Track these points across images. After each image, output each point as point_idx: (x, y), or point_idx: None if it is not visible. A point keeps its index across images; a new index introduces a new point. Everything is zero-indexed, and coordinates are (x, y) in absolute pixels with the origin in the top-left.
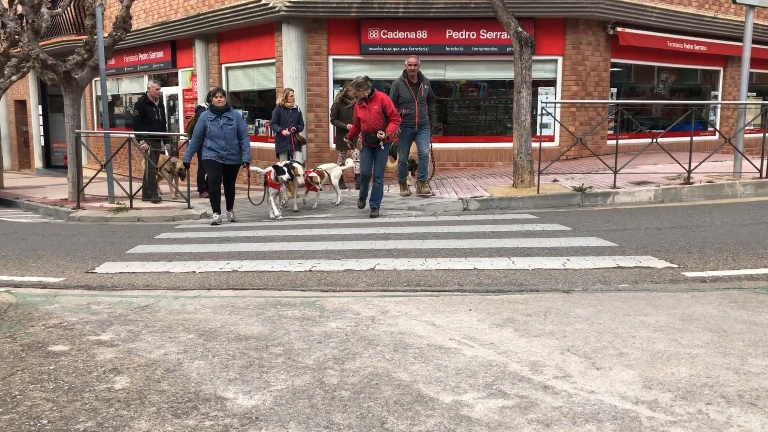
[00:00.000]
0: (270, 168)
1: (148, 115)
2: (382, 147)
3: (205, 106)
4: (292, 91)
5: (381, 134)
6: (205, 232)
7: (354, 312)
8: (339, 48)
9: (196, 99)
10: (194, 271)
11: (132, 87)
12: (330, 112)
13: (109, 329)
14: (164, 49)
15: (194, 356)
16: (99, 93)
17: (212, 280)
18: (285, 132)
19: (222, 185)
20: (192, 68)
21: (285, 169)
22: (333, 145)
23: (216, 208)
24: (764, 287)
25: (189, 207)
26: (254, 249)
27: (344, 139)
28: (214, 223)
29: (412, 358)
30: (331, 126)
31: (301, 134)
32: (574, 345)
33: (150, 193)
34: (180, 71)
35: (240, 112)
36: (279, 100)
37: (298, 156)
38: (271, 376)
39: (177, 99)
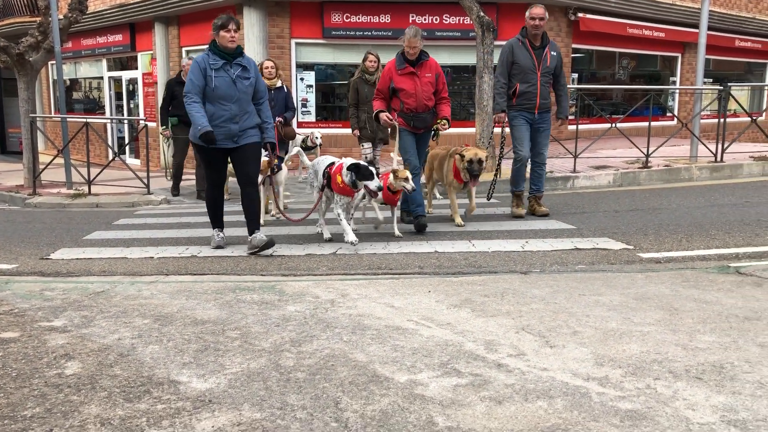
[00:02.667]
0: (338, 161)
1: (177, 98)
2: (434, 136)
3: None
4: (271, 62)
5: (444, 125)
6: (165, 218)
7: (314, 296)
8: (302, 31)
9: (156, 83)
10: (152, 257)
11: (91, 71)
12: (348, 97)
13: (62, 315)
14: (123, 32)
15: (149, 341)
16: (56, 77)
17: (171, 266)
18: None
19: (224, 188)
20: (152, 52)
21: (373, 171)
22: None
23: (217, 223)
24: (715, 267)
25: (149, 193)
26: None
27: (357, 127)
28: (218, 247)
29: (369, 340)
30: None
31: (287, 125)
32: (530, 324)
33: (175, 191)
34: (139, 55)
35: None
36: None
37: (281, 150)
38: (227, 359)
39: (136, 83)
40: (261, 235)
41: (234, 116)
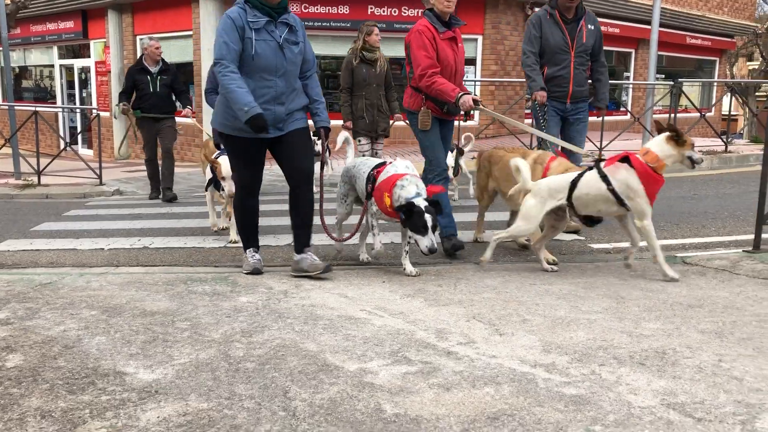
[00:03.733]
0: (391, 162)
1: (140, 87)
2: (464, 120)
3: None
4: None
5: (475, 99)
6: (117, 209)
7: (267, 287)
8: None
9: (110, 71)
10: (102, 248)
11: (42, 59)
12: (341, 80)
13: (5, 307)
14: (74, 19)
15: (95, 332)
16: (3, 64)
17: (121, 257)
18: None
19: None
20: (105, 39)
21: (428, 221)
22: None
23: (252, 241)
24: (666, 258)
25: (101, 183)
26: (167, 226)
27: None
28: (255, 271)
29: (321, 329)
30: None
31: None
32: (480, 313)
33: (154, 193)
34: (92, 42)
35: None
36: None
37: None
38: (175, 350)
39: (89, 72)
40: (313, 257)
41: (280, 95)
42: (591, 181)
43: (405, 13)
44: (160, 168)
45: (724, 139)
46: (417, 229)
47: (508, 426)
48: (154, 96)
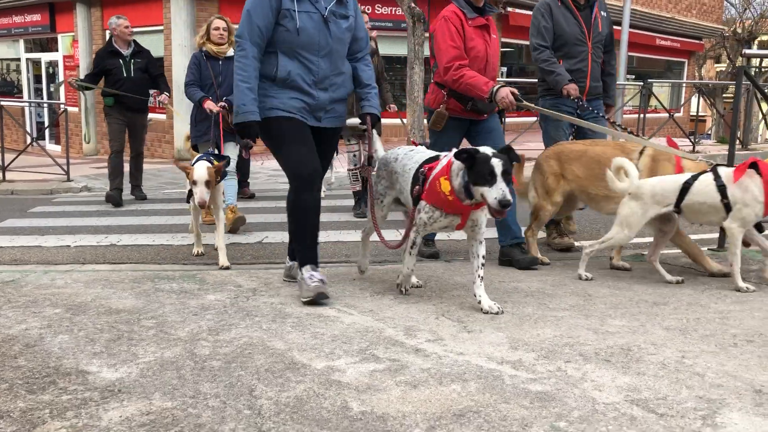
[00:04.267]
0: (444, 155)
1: (111, 72)
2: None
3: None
4: (223, 22)
5: (515, 93)
6: (84, 205)
7: (235, 284)
8: (231, 16)
9: (78, 66)
10: (69, 245)
11: (8, 52)
12: None
13: None
14: (41, 12)
15: (58, 331)
16: None
17: (88, 255)
18: (210, 106)
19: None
20: (73, 33)
21: (498, 166)
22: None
23: (309, 254)
24: (630, 256)
25: (69, 180)
26: (136, 223)
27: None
28: (319, 298)
29: (289, 327)
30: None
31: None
32: (449, 310)
33: (115, 196)
34: (60, 36)
35: None
36: (198, 40)
37: (231, 150)
38: (140, 348)
39: (57, 66)
40: (315, 275)
41: (323, 79)
42: (706, 188)
43: (378, 11)
44: (125, 166)
45: (692, 140)
46: (482, 177)
47: (474, 423)
48: (129, 81)
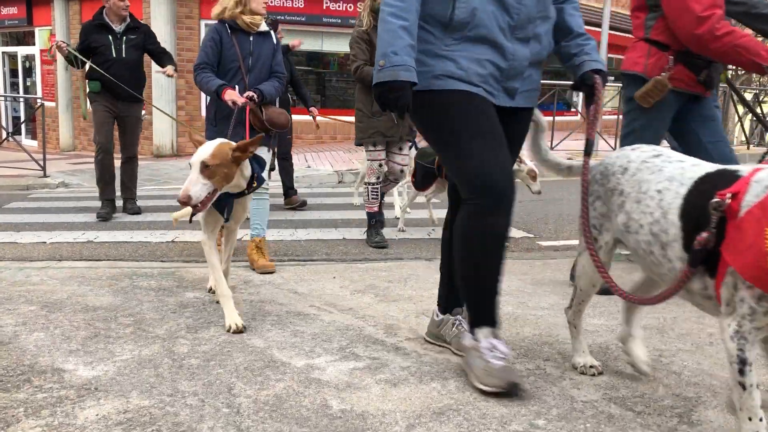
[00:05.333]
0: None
1: (98, 51)
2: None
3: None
4: None
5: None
6: (61, 201)
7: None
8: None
9: (56, 60)
10: (45, 242)
11: None
12: (352, 56)
13: None
14: (18, 5)
15: (34, 328)
16: None
17: (64, 251)
18: (233, 97)
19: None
20: (51, 27)
21: None
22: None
23: (486, 311)
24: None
25: (45, 175)
26: (114, 219)
27: None
28: (512, 391)
29: (269, 325)
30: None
31: (267, 104)
32: (430, 308)
33: (107, 208)
34: (37, 30)
35: None
36: (229, 7)
37: (266, 156)
38: (117, 346)
39: (34, 60)
40: (498, 347)
41: (527, 22)
42: None
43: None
44: (115, 168)
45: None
46: None
47: (454, 420)
48: (119, 63)
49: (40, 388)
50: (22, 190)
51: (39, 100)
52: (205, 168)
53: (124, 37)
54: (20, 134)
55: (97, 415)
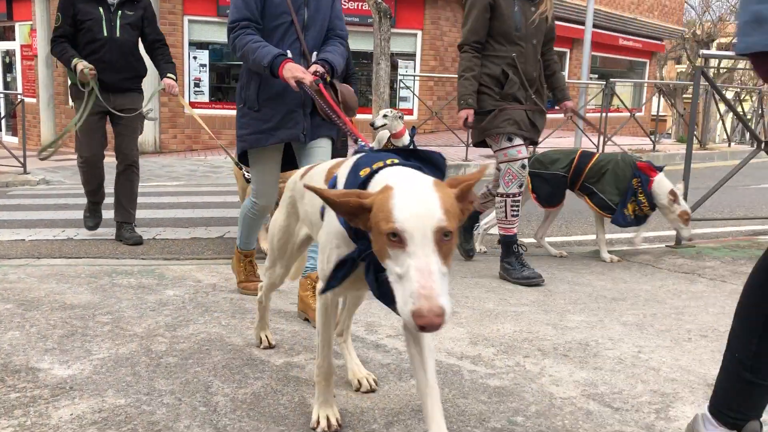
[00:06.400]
0: None
1: (84, 28)
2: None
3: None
4: None
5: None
6: (41, 199)
7: (195, 280)
8: (195, 9)
9: (36, 56)
10: (23, 239)
11: None
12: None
13: None
14: None
15: (9, 327)
16: None
17: (43, 249)
18: (296, 73)
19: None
20: (31, 22)
21: None
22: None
23: None
24: (590, 252)
25: (26, 172)
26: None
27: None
28: None
29: (249, 323)
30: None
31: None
32: None
33: (93, 219)
34: (17, 25)
35: None
36: None
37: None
38: (94, 345)
39: (14, 55)
40: None
41: None
42: None
43: (345, 5)
44: (103, 175)
45: (653, 139)
46: None
47: None
48: (110, 45)
49: (13, 388)
50: (1, 187)
51: (19, 96)
52: (445, 239)
53: (119, 12)
54: (0, 131)
55: (71, 414)
